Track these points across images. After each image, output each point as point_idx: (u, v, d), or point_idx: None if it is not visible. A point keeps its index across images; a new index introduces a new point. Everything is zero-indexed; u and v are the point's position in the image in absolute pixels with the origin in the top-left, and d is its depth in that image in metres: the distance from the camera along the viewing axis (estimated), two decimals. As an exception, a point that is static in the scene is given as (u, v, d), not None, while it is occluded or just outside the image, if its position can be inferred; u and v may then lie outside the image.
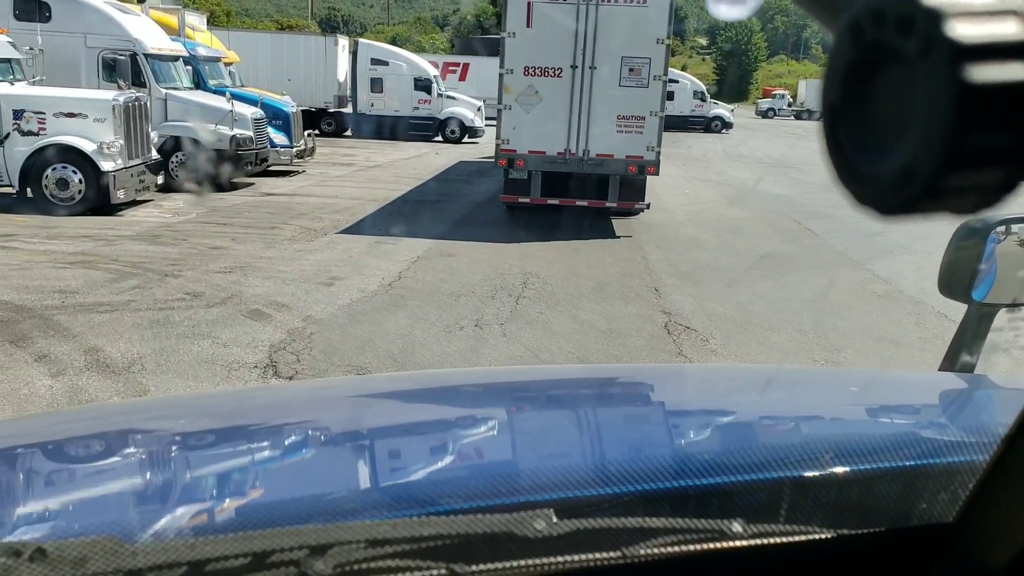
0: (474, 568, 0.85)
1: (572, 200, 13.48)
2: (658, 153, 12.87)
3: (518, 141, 13.04)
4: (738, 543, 0.94)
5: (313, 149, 18.97)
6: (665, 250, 12.00)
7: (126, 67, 14.36)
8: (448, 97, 31.30)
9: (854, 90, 0.46)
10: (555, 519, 0.88)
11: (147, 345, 6.55)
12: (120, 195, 12.18)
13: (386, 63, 30.73)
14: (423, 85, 30.91)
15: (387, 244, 11.23)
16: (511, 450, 1.37)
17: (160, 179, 13.63)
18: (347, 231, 12.09)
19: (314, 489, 1.11)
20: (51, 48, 13.62)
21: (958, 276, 1.82)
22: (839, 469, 1.05)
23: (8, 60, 12.75)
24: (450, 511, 0.89)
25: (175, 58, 15.89)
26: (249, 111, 15.81)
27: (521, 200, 13.37)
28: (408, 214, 14.05)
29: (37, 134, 12.02)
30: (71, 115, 12.06)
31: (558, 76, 12.90)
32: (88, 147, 11.92)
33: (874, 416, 1.54)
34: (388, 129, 30.06)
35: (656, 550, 0.91)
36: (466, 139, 31.24)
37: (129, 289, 8.20)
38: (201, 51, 17.88)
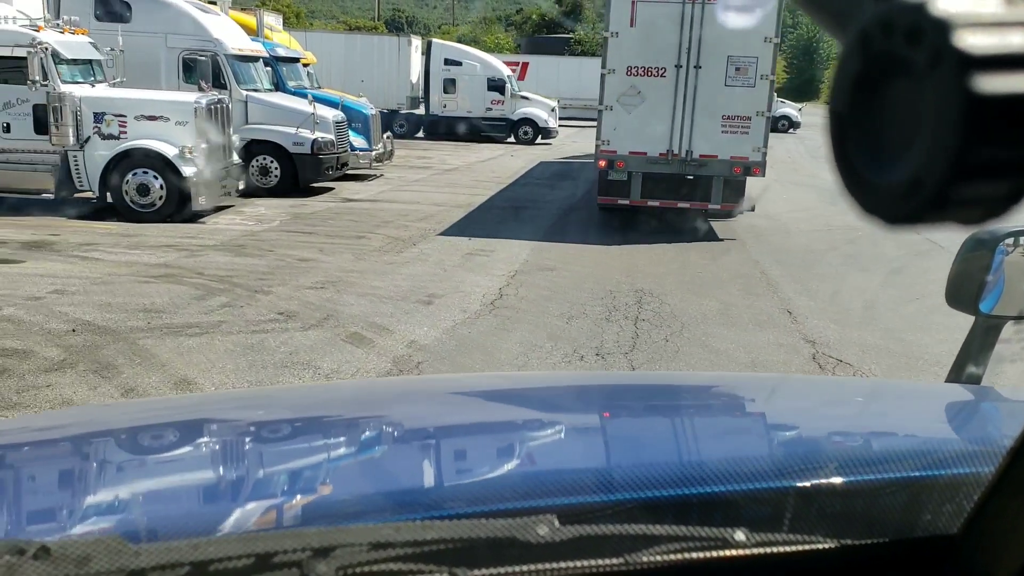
0: (477, 572, 0.84)
1: (673, 202, 13.08)
2: (764, 154, 12.43)
3: (619, 142, 12.71)
4: (741, 552, 0.93)
5: (391, 152, 18.38)
6: (783, 264, 11.00)
7: (207, 68, 13.88)
8: (522, 97, 30.55)
9: (862, 100, 0.45)
10: (558, 525, 0.88)
11: (243, 376, 5.88)
12: (202, 202, 11.67)
13: (459, 63, 30.12)
14: (496, 85, 30.21)
15: (480, 256, 10.49)
16: (515, 455, 1.36)
17: (241, 184, 13.12)
18: (436, 240, 11.40)
19: (317, 492, 1.15)
20: (131, 49, 13.21)
21: (965, 287, 1.82)
22: (844, 479, 1.05)
23: (89, 61, 12.38)
24: (453, 515, 0.89)
25: (255, 59, 15.42)
26: (330, 114, 15.25)
27: (620, 202, 13.00)
28: (496, 221, 13.31)
29: (118, 137, 11.59)
30: (152, 118, 11.60)
31: (661, 76, 12.55)
32: (170, 151, 11.43)
33: (879, 426, 1.54)
34: (460, 130, 29.46)
35: (659, 557, 0.91)
36: (539, 140, 30.46)
37: (218, 308, 7.57)
38: (280, 52, 17.41)
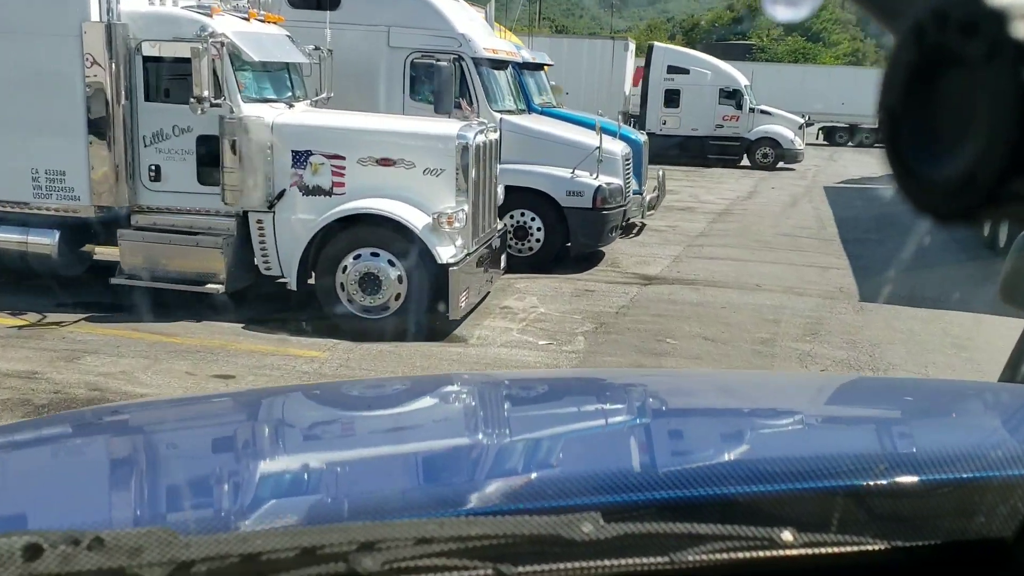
0: (520, 569, 0.84)
1: None
2: None
3: None
4: (788, 552, 0.92)
5: (662, 194, 13.26)
6: None
7: (451, 79, 9.11)
8: (761, 112, 24.90)
9: (915, 94, 0.44)
10: (602, 523, 0.86)
11: None
12: (462, 303, 6.87)
13: (686, 71, 24.80)
14: (731, 97, 24.71)
15: None
16: (559, 453, 1.35)
17: (503, 261, 8.32)
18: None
19: (363, 487, 1.13)
20: (336, 48, 8.67)
21: (1020, 285, 1.81)
22: (894, 480, 1.03)
23: (287, 66, 7.86)
24: (497, 512, 0.89)
25: (504, 65, 10.61)
26: (618, 148, 10.27)
27: None
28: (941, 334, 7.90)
29: (330, 194, 6.96)
30: (387, 162, 6.91)
31: None
32: (419, 220, 6.69)
33: (931, 426, 1.51)
34: (683, 152, 24.15)
35: (704, 556, 0.89)
36: (781, 165, 24.71)
37: None
38: (526, 55, 12.66)
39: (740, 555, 0.89)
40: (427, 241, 6.63)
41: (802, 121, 25.16)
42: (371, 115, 7.91)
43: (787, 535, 0.91)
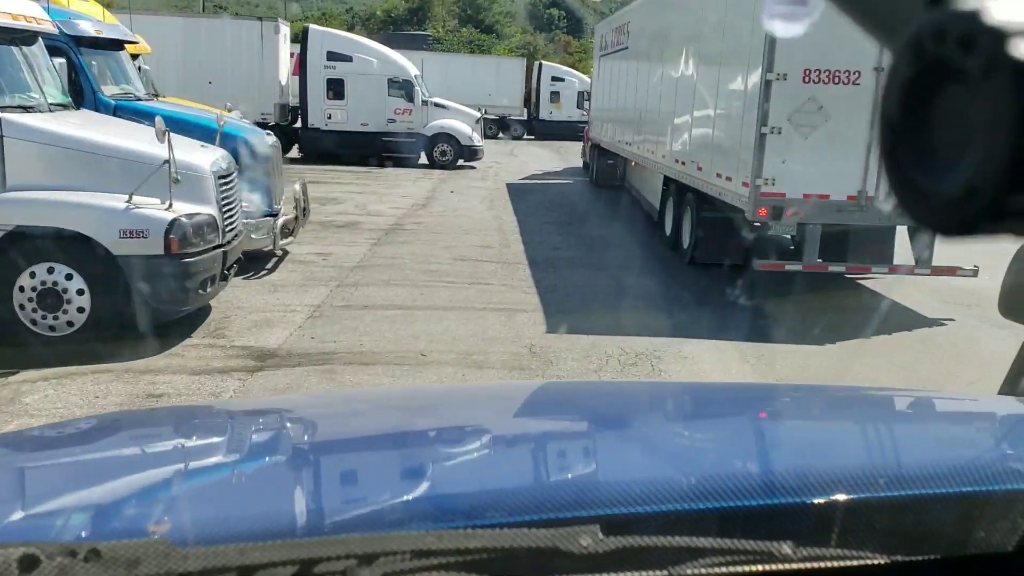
0: None
1: (865, 267, 9.19)
2: None
3: (788, 180, 8.49)
4: (787, 566, 0.92)
5: (307, 211, 10.07)
6: None
7: None
8: (437, 105, 22.60)
9: (914, 107, 0.45)
10: (601, 535, 0.86)
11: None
12: None
13: (349, 58, 21.85)
14: (402, 89, 22.15)
15: None
16: (558, 465, 1.34)
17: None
18: None
19: (361, 499, 1.13)
20: None
21: (1020, 298, 1.80)
22: (893, 493, 1.03)
23: None
24: (496, 524, 0.89)
25: (25, 37, 6.79)
26: (207, 160, 6.87)
27: (790, 267, 8.89)
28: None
29: None
30: None
31: (855, 84, 8.26)
32: None
33: (931, 440, 1.51)
34: (353, 150, 21.22)
35: (703, 570, 0.89)
36: (461, 163, 22.65)
37: None
38: (84, 27, 8.81)
39: (739, 568, 0.90)
40: None
41: (479, 115, 23.23)
42: None
43: (786, 549, 0.92)
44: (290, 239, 9.37)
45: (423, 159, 22.42)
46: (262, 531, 0.89)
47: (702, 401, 1.89)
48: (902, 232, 8.92)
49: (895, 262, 9.00)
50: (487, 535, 0.85)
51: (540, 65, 36.93)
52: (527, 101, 35.97)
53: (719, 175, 9.64)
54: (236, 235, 7.17)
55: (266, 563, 0.77)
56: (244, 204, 8.61)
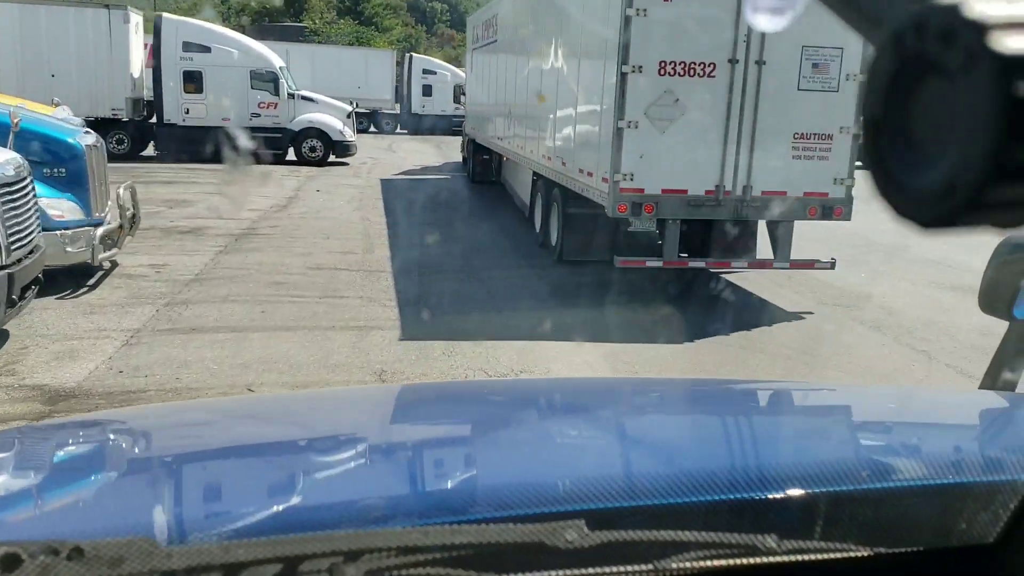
0: None
1: (724, 262, 9.04)
2: (850, 188, 8.44)
3: (646, 175, 8.22)
4: (771, 559, 0.92)
5: (135, 220, 9.08)
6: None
7: None
8: (304, 99, 21.55)
9: (896, 101, 0.45)
10: (586, 530, 0.87)
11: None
12: None
13: (207, 48, 20.55)
14: (265, 81, 21.01)
15: None
16: (543, 460, 1.33)
17: None
18: None
19: (346, 495, 1.12)
20: None
21: (999, 293, 1.80)
22: (876, 486, 1.04)
23: None
24: (481, 520, 0.89)
25: None
26: (-18, 163, 5.94)
27: (650, 263, 8.67)
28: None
29: None
30: None
31: (710, 76, 8.08)
32: None
33: (913, 434, 1.51)
34: (212, 147, 19.98)
35: (688, 564, 0.90)
36: (331, 158, 21.69)
37: None
38: None
39: (724, 562, 0.91)
40: None
41: (351, 108, 22.30)
42: None
43: (770, 542, 0.92)
44: (114, 251, 8.41)
45: (292, 155, 21.35)
46: (247, 528, 0.89)
47: (686, 396, 1.89)
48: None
49: (758, 257, 8.97)
50: (473, 531, 0.85)
51: (410, 58, 36.04)
52: (399, 95, 35.11)
53: (581, 171, 9.29)
54: (30, 252, 6.23)
55: (251, 560, 0.76)
56: (55, 213, 7.65)
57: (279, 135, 20.95)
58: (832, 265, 8.68)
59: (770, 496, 0.99)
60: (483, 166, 18.29)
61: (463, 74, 26.80)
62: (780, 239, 8.67)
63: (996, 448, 1.30)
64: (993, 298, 1.83)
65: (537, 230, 11.68)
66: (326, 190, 16.61)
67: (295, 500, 1.12)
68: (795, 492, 0.99)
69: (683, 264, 8.76)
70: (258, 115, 20.88)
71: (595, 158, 8.80)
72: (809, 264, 8.77)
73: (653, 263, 8.61)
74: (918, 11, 0.42)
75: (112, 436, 1.45)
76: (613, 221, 8.69)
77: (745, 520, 0.96)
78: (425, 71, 34.55)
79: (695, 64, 8.01)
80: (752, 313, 8.49)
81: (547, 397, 1.85)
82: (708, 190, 8.29)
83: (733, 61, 8.07)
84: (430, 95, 34.12)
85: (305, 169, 20.22)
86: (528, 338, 7.01)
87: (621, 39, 7.98)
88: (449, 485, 1.19)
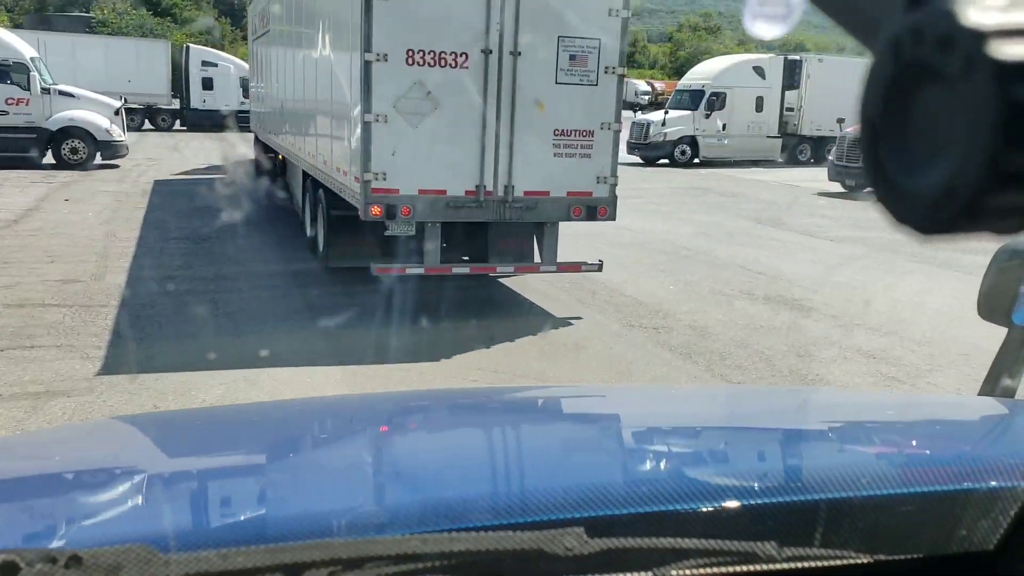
0: None
1: (490, 267, 8.40)
2: (613, 186, 7.98)
3: (401, 175, 7.36)
4: (771, 566, 0.92)
5: None
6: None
7: None
8: (63, 94, 19.26)
9: (894, 107, 0.45)
10: (586, 537, 0.87)
11: None
12: None
13: (-64, 38, 17.89)
14: (13, 74, 18.60)
15: None
16: (542, 468, 1.33)
17: None
18: None
19: (345, 503, 1.11)
20: None
21: (998, 299, 1.80)
22: (876, 493, 1.03)
23: None
24: (480, 527, 0.88)
25: None
26: None
27: (410, 269, 7.77)
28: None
29: None
30: None
31: (462, 67, 7.38)
32: None
33: (912, 440, 1.52)
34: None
35: (688, 571, 0.90)
36: (99, 160, 19.53)
37: None
38: None
39: (724, 569, 0.91)
40: None
41: (119, 105, 20.15)
42: None
43: (770, 549, 0.92)
44: None
45: (50, 158, 19.04)
46: (245, 536, 0.89)
47: (685, 403, 1.90)
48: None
49: (524, 261, 8.40)
50: (472, 538, 0.85)
51: (187, 48, 33.45)
52: (176, 88, 32.63)
53: (339, 169, 8.37)
54: None
55: (249, 568, 0.77)
56: None
57: (32, 135, 18.60)
58: (599, 267, 8.25)
59: (770, 502, 0.99)
60: (268, 164, 16.93)
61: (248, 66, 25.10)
62: (546, 241, 8.15)
63: (996, 454, 1.29)
64: (992, 304, 1.82)
65: (308, 234, 10.66)
66: (79, 199, 14.71)
67: (294, 507, 1.10)
68: (795, 499, 0.99)
69: (446, 270, 8.05)
70: (5, 112, 18.44)
71: (348, 156, 7.92)
72: (576, 267, 8.32)
73: (413, 270, 7.80)
74: (915, 17, 0.42)
75: (109, 443, 1.45)
76: (370, 224, 7.80)
77: (745, 527, 0.96)
78: (205, 63, 32.06)
79: (446, 54, 7.30)
80: (524, 319, 7.86)
81: (545, 405, 1.86)
82: (468, 190, 7.60)
83: (487, 51, 7.40)
84: (211, 89, 31.74)
85: (64, 174, 18.01)
86: (262, 365, 6.02)
87: (363, 24, 7.13)
88: (448, 493, 1.14)
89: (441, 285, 8.35)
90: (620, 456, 1.41)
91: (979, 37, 0.40)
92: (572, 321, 7.94)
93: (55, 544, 0.78)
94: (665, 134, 25.67)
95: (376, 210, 7.36)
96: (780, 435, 1.54)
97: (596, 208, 7.92)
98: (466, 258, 8.52)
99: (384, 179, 7.34)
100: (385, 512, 1.03)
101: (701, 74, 27.37)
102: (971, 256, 11.08)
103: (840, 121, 21.90)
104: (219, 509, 1.11)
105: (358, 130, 7.39)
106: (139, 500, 1.15)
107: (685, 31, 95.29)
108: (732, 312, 8.31)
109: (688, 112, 26.01)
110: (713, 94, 25.91)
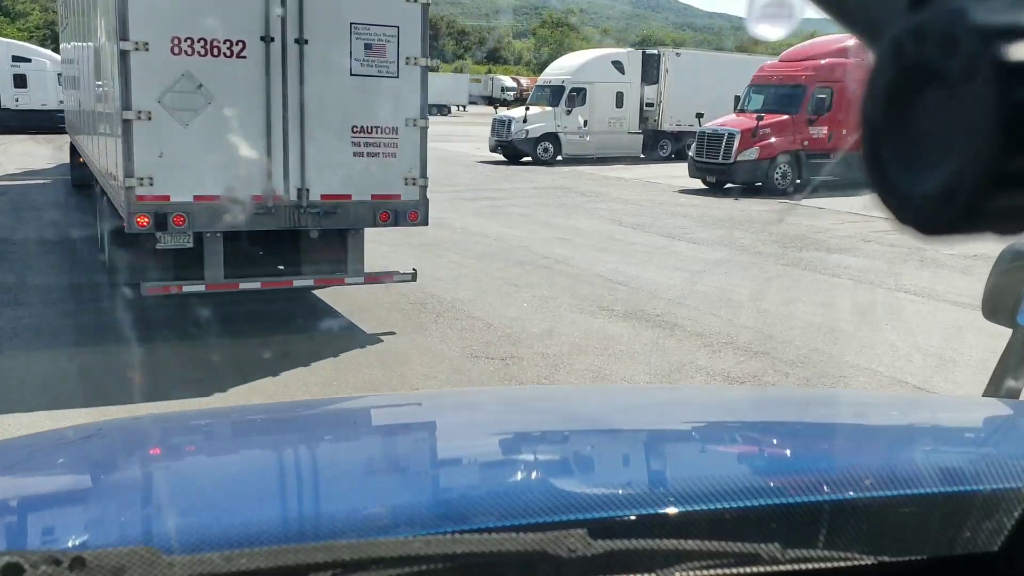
0: None
1: (286, 281, 7.42)
2: (424, 188, 7.24)
3: (172, 179, 6.39)
4: (775, 568, 0.92)
5: None
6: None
7: None
8: None
9: (896, 108, 0.45)
10: (589, 539, 0.86)
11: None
12: None
13: None
14: None
15: None
16: (545, 469, 1.33)
17: None
18: None
19: (349, 504, 1.11)
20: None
21: (1002, 300, 1.78)
22: (880, 494, 1.03)
23: None
24: (484, 529, 0.89)
25: None
26: None
27: (187, 287, 6.80)
28: None
29: None
30: None
31: (239, 56, 6.47)
32: None
33: (916, 441, 1.51)
34: None
35: (691, 572, 0.90)
36: None
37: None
38: None
39: (726, 571, 0.90)
40: None
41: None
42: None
43: (774, 550, 0.92)
44: None
45: None
46: (249, 538, 0.89)
47: (688, 404, 1.89)
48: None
49: (326, 273, 7.46)
50: (475, 540, 0.85)
51: (-7, 42, 30.20)
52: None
53: (111, 174, 7.32)
54: None
55: (253, 570, 0.77)
56: None
57: None
58: (413, 277, 7.49)
59: (773, 504, 0.99)
60: (82, 168, 15.38)
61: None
62: (350, 250, 7.32)
63: (1000, 456, 1.28)
64: (996, 305, 1.80)
65: (100, 247, 9.48)
66: None
67: (297, 509, 1.12)
68: (798, 500, 0.99)
69: (233, 287, 7.13)
70: None
71: (113, 158, 6.86)
72: (388, 276, 7.57)
73: (193, 288, 6.87)
74: (918, 19, 0.42)
75: (113, 446, 1.44)
76: (144, 237, 6.77)
77: (748, 529, 0.95)
78: (16, 58, 29.16)
79: (219, 42, 6.42)
80: (337, 338, 7.00)
81: (548, 406, 1.84)
82: (255, 195, 6.70)
83: (267, 39, 6.59)
84: (25, 86, 29.01)
85: None
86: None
87: (117, 7, 6.13)
88: (451, 495, 1.16)
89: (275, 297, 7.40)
90: (623, 458, 1.41)
91: (982, 39, 0.39)
92: (407, 357, 6.88)
93: (59, 546, 0.79)
94: (527, 131, 25.12)
95: (142, 220, 6.40)
96: (783, 436, 1.55)
97: (405, 212, 7.22)
98: (281, 267, 7.64)
99: (151, 184, 6.41)
100: (389, 514, 1.03)
101: (561, 69, 27.00)
102: (836, 256, 11.03)
103: (699, 116, 21.84)
104: (223, 510, 1.08)
105: (119, 129, 6.36)
106: (143, 501, 1.16)
107: (548, 27, 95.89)
108: (590, 335, 7.45)
109: (549, 108, 25.57)
110: (573, 90, 25.55)
